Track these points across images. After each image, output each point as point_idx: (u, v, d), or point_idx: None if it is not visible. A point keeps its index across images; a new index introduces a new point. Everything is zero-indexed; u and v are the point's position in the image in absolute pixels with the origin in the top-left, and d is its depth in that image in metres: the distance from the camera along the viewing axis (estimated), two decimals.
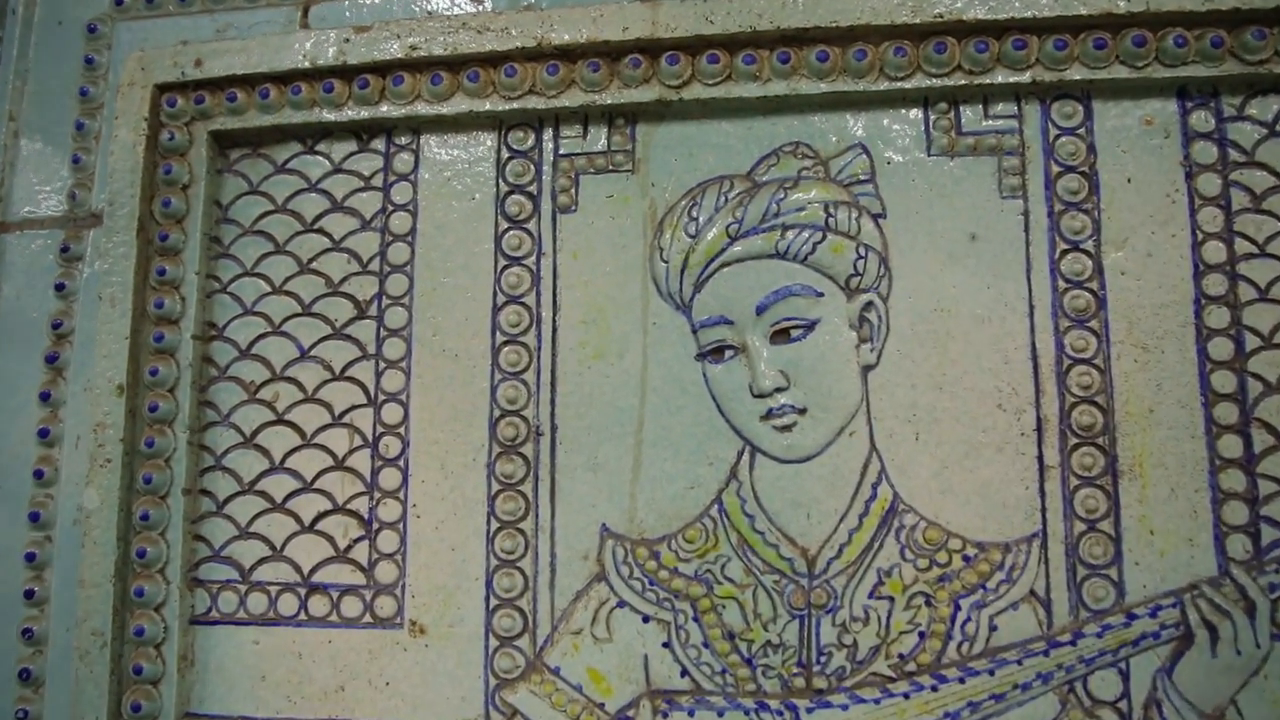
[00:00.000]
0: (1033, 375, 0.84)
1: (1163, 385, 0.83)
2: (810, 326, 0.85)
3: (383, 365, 0.93)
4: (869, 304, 0.86)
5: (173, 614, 0.92)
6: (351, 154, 0.98)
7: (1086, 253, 0.85)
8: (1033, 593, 0.81)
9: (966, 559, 0.82)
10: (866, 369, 0.86)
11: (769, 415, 0.84)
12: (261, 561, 0.93)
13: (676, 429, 0.88)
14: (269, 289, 0.97)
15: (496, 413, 0.91)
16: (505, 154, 0.95)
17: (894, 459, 0.84)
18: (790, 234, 0.86)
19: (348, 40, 0.95)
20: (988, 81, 0.86)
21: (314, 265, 0.97)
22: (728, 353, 0.87)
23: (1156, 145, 0.86)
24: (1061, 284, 0.85)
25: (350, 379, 0.94)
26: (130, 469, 0.93)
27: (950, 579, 0.82)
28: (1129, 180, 0.86)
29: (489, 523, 0.89)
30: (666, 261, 0.89)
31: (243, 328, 0.97)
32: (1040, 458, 0.83)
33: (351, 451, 0.93)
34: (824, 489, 0.85)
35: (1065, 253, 0.85)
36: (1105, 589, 0.81)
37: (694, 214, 0.89)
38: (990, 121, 0.88)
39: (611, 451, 0.88)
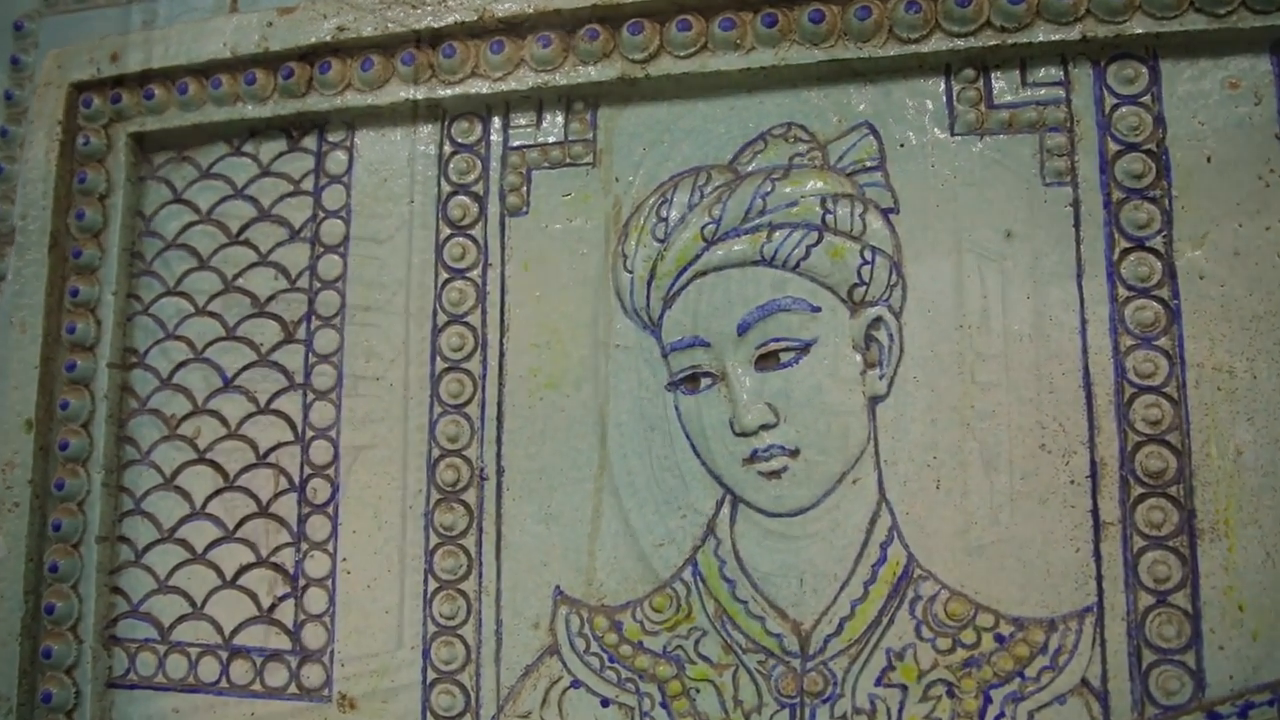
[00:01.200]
0: (1086, 408, 0.67)
1: (1255, 419, 0.65)
2: (804, 349, 0.70)
3: (311, 396, 0.81)
4: (877, 320, 0.70)
5: (85, 677, 0.82)
6: (281, 154, 0.86)
7: (1155, 252, 0.67)
8: (1084, 683, 0.64)
9: (1000, 639, 0.65)
10: (874, 400, 0.70)
11: (754, 458, 0.69)
12: (181, 619, 0.82)
13: (643, 473, 0.73)
14: (192, 310, 0.86)
15: (436, 452, 0.77)
16: (448, 149, 0.82)
17: (909, 513, 0.68)
18: (778, 235, 0.70)
19: (270, 24, 0.83)
20: (1025, 40, 0.69)
21: (239, 282, 0.85)
22: (704, 381, 0.72)
23: (1244, 114, 0.68)
24: (1122, 292, 0.68)
25: (276, 412, 0.82)
26: (40, 513, 0.83)
27: (979, 664, 0.65)
28: (1208, 160, 0.68)
29: (426, 582, 0.76)
30: (631, 271, 0.74)
31: (163, 354, 0.86)
32: (1095, 511, 0.66)
33: (276, 496, 0.81)
34: (821, 549, 0.69)
35: (1127, 252, 0.68)
36: (1179, 679, 0.63)
37: (664, 213, 0.74)
38: (1029, 91, 0.71)
39: (567, 500, 0.74)
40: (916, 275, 0.71)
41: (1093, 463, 0.66)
